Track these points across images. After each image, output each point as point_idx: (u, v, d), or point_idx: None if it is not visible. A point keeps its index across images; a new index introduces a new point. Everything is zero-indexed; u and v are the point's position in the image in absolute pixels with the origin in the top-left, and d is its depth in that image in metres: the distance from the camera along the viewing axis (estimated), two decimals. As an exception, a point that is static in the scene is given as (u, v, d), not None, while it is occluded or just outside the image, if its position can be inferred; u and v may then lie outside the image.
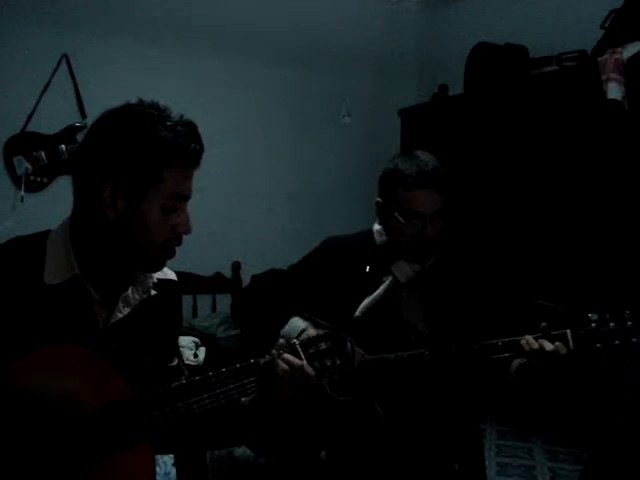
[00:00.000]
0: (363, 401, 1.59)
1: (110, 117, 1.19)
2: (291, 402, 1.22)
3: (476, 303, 1.73)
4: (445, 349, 1.56)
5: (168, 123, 1.15)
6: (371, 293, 1.68)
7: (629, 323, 1.47)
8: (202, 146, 1.20)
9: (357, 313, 1.66)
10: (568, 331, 1.49)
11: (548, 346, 1.47)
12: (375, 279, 1.70)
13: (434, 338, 1.65)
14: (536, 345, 1.48)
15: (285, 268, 1.81)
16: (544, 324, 1.52)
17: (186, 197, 1.21)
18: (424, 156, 1.69)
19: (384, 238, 1.74)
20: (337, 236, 1.85)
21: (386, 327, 1.66)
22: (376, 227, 1.78)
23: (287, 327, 1.59)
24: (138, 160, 1.14)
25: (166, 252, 1.22)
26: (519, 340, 1.52)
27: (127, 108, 1.18)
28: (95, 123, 1.20)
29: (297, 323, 1.59)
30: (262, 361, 1.21)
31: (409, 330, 1.68)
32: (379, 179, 1.74)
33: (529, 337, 1.51)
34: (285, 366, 1.20)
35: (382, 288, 1.68)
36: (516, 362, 1.59)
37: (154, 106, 1.18)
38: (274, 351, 1.23)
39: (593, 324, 1.49)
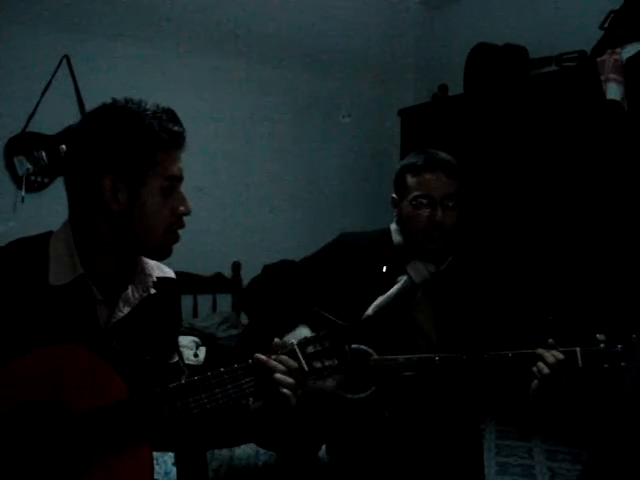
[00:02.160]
0: (369, 400, 1.59)
1: (94, 116, 1.23)
2: (292, 403, 1.22)
3: (486, 312, 1.72)
4: (455, 356, 1.56)
5: (148, 112, 1.21)
6: (384, 292, 1.67)
7: None
8: (184, 128, 1.25)
9: (369, 312, 1.65)
10: (578, 349, 1.49)
11: (560, 360, 1.47)
12: (390, 278, 1.70)
13: (441, 343, 1.65)
14: (550, 358, 1.48)
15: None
16: (551, 340, 1.52)
17: (180, 178, 1.25)
18: (434, 149, 1.73)
19: (401, 237, 1.74)
20: (353, 232, 1.85)
21: (396, 328, 1.65)
22: (393, 226, 1.78)
23: (291, 335, 1.58)
24: (133, 148, 1.18)
25: (171, 236, 1.25)
26: (530, 353, 1.51)
27: (107, 106, 1.23)
28: (80, 125, 1.24)
29: (303, 332, 1.59)
30: (256, 360, 1.21)
31: (418, 333, 1.68)
32: (394, 177, 1.77)
33: (542, 350, 1.50)
34: (282, 367, 1.20)
35: (396, 288, 1.67)
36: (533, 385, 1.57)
37: (129, 101, 1.23)
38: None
39: (602, 344, 1.49)
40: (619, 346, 1.48)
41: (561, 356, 1.48)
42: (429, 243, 1.67)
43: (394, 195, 1.76)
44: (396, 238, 1.75)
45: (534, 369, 1.49)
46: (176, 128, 1.22)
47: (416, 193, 1.67)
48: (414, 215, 1.67)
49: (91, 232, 1.22)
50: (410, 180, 1.68)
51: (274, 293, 1.71)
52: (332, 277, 1.72)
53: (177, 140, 1.23)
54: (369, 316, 1.65)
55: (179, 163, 1.24)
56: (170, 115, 1.23)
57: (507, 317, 1.75)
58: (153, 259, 1.31)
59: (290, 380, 1.19)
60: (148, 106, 1.22)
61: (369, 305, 1.67)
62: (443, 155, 1.70)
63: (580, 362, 1.48)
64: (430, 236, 1.66)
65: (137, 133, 1.18)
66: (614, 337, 1.49)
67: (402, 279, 1.68)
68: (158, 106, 1.23)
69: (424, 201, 1.65)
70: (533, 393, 1.55)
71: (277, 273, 1.77)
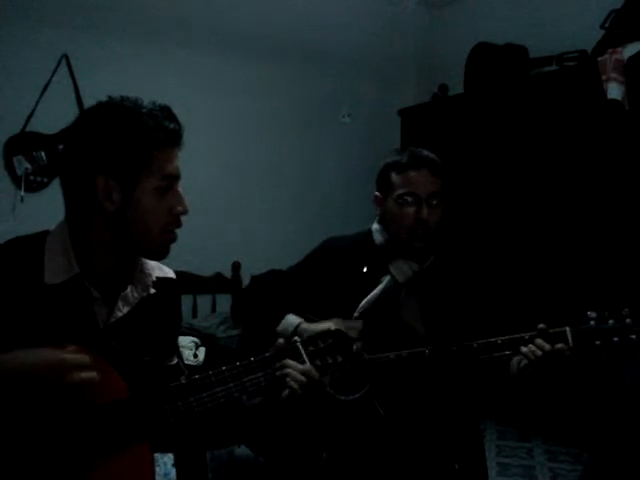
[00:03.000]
0: (363, 400, 1.59)
1: (89, 115, 1.22)
2: (299, 405, 1.23)
3: (473, 304, 1.73)
4: (445, 348, 1.56)
5: (144, 110, 1.19)
6: (369, 293, 1.68)
7: (628, 320, 1.48)
8: (180, 125, 1.23)
9: (355, 313, 1.66)
10: (567, 328, 1.50)
11: (547, 344, 1.47)
12: (373, 279, 1.70)
13: (431, 338, 1.65)
14: (536, 342, 1.48)
15: (284, 269, 1.81)
16: (542, 325, 1.52)
17: (177, 177, 1.23)
18: (417, 148, 1.73)
19: (383, 237, 1.75)
20: (336, 236, 1.85)
21: (384, 327, 1.66)
22: (375, 226, 1.78)
23: (282, 324, 1.60)
24: (127, 147, 1.16)
25: (168, 236, 1.24)
26: (518, 338, 1.52)
27: (102, 105, 1.22)
28: (75, 124, 1.23)
29: (291, 319, 1.60)
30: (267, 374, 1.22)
31: (407, 330, 1.68)
32: (377, 176, 1.76)
33: (528, 335, 1.51)
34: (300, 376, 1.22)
35: (380, 288, 1.68)
36: (516, 360, 1.59)
37: (125, 99, 1.22)
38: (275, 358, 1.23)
39: (592, 321, 1.50)
40: (610, 321, 1.48)
41: (546, 343, 1.48)
42: (414, 241, 1.67)
43: (377, 193, 1.76)
44: (377, 238, 1.75)
45: (524, 353, 1.49)
46: (172, 126, 1.21)
47: (401, 191, 1.66)
48: (399, 213, 1.67)
49: (87, 231, 1.21)
50: (395, 178, 1.68)
51: (263, 303, 1.71)
52: (319, 282, 1.72)
53: (174, 138, 1.21)
54: (355, 318, 1.65)
55: (176, 161, 1.22)
56: (166, 113, 1.21)
57: (494, 305, 1.76)
58: (150, 259, 1.30)
59: (301, 377, 1.21)
60: (144, 104, 1.21)
61: (356, 307, 1.67)
62: (427, 153, 1.71)
63: (571, 341, 1.48)
64: (415, 234, 1.66)
65: (132, 131, 1.17)
66: (605, 313, 1.49)
67: (385, 279, 1.69)
68: (154, 104, 1.22)
69: (409, 199, 1.66)
70: (521, 373, 1.55)
71: (265, 283, 1.77)
